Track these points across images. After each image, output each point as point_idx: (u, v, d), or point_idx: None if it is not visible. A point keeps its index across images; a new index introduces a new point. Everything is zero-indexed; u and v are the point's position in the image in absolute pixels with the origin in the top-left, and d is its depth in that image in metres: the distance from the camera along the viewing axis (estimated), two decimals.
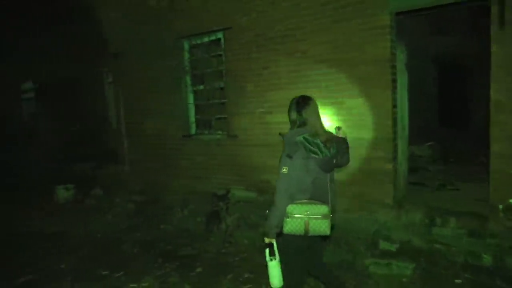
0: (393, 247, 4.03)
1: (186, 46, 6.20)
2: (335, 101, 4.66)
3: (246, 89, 5.35)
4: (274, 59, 5.05)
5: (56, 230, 5.56)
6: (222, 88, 5.85)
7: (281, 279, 2.68)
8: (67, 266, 4.33)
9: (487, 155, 3.94)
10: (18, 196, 7.45)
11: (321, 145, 2.56)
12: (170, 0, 6.18)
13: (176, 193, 6.19)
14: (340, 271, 3.65)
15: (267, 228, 2.65)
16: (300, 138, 2.57)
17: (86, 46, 9.40)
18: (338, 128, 2.93)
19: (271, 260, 2.67)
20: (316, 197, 2.62)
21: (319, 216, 2.56)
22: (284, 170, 2.56)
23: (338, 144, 2.69)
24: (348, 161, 2.89)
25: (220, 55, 5.78)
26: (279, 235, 2.65)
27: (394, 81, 4.35)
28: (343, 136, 2.86)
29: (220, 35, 5.69)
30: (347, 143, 2.85)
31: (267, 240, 2.66)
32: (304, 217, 2.55)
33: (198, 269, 4.09)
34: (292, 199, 2.58)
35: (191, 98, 6.21)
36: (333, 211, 2.66)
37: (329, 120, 4.69)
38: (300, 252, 2.74)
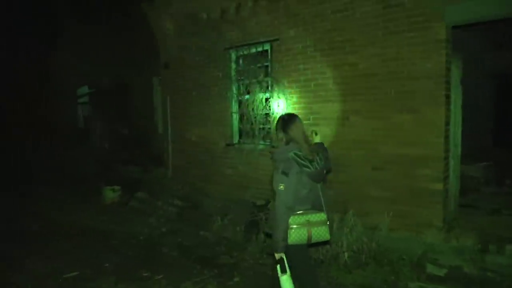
0: (442, 272, 3.81)
1: (233, 56, 6.31)
2: (383, 115, 4.54)
3: (292, 100, 5.35)
4: (321, 71, 5.01)
5: (102, 229, 5.80)
6: (267, 99, 5.88)
7: None
8: (111, 264, 4.49)
9: None
10: (70, 194, 7.86)
11: (312, 158, 2.77)
12: (220, 12, 6.34)
13: (217, 200, 6.26)
14: None
15: (275, 244, 2.76)
16: (291, 154, 2.74)
17: (139, 55, 9.88)
18: (315, 133, 3.11)
19: (282, 275, 2.73)
20: (312, 206, 2.82)
21: (319, 223, 2.78)
22: (281, 187, 2.72)
23: (323, 153, 2.90)
24: (330, 166, 3.11)
25: (267, 66, 5.83)
26: (286, 249, 2.77)
27: (447, 97, 4.17)
28: (319, 141, 3.04)
29: (267, 46, 5.74)
30: (326, 148, 3.04)
31: (277, 256, 2.76)
32: (306, 226, 2.74)
33: (236, 279, 4.08)
34: (292, 211, 2.75)
35: (235, 108, 6.30)
36: (329, 217, 2.86)
37: (373, 136, 4.57)
38: (307, 262, 2.93)
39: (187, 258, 4.70)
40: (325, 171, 2.88)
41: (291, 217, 2.73)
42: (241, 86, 6.25)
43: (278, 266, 2.75)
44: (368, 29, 4.58)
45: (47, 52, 11.99)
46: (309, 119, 5.17)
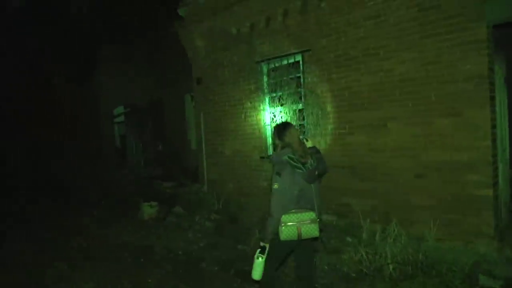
0: (497, 284, 3.57)
1: (265, 69, 6.35)
2: (423, 121, 4.39)
3: (326, 110, 5.29)
4: (355, 79, 4.94)
5: (142, 244, 5.88)
6: (300, 110, 5.85)
7: (261, 274, 3.14)
8: (153, 280, 4.53)
9: None
10: (110, 211, 8.06)
11: (304, 160, 3.04)
12: (250, 27, 6.43)
13: (253, 214, 6.22)
14: None
15: (264, 235, 3.13)
16: (285, 157, 3.06)
17: (171, 74, 10.17)
18: (306, 140, 3.37)
19: (259, 258, 3.09)
20: (304, 205, 3.07)
21: (309, 222, 3.02)
22: (276, 186, 3.06)
23: (316, 155, 3.16)
24: (326, 168, 3.31)
25: (299, 77, 5.82)
26: (273, 239, 3.11)
27: (492, 98, 3.98)
28: (311, 145, 3.32)
29: (298, 57, 5.74)
30: (319, 151, 3.34)
31: (262, 244, 3.11)
32: (296, 224, 3.00)
33: None
34: (285, 209, 3.02)
35: (269, 120, 6.30)
36: (319, 216, 3.10)
37: (414, 142, 4.42)
38: (284, 252, 3.26)
39: (227, 272, 4.67)
40: (316, 172, 3.10)
41: (284, 215, 3.00)
42: (273, 98, 6.25)
43: (258, 250, 3.11)
44: (403, 34, 4.48)
45: (86, 74, 12.57)
46: (344, 128, 5.10)
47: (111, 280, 4.55)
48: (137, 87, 11.20)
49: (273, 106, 6.26)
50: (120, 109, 12.19)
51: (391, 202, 4.68)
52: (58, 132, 13.25)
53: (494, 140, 4.00)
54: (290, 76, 5.96)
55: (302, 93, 5.72)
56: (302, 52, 5.63)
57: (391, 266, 4.05)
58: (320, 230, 3.12)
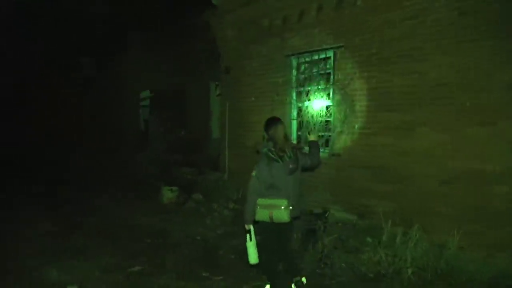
0: None
1: (294, 63, 6.33)
2: (453, 128, 4.32)
3: (354, 108, 5.25)
4: (387, 79, 4.88)
5: (161, 227, 6.02)
6: (327, 107, 5.82)
7: (256, 257, 3.56)
8: (171, 262, 4.64)
9: None
10: (131, 193, 8.27)
11: (281, 154, 3.40)
12: (282, 20, 6.40)
13: None
14: None
15: (245, 218, 3.55)
16: (265, 150, 3.47)
17: (197, 61, 10.22)
18: (309, 133, 3.80)
19: (249, 241, 3.52)
20: (277, 193, 3.41)
21: (281, 207, 3.36)
22: (253, 173, 3.50)
23: (296, 152, 3.50)
24: (318, 161, 3.78)
25: (329, 73, 5.78)
26: (256, 223, 3.51)
27: None
28: (314, 139, 3.84)
29: (330, 53, 5.70)
30: (318, 146, 3.83)
31: (246, 227, 3.54)
32: (268, 208, 3.39)
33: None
34: (261, 195, 3.43)
35: (294, 114, 6.29)
36: (294, 204, 3.42)
37: (442, 148, 4.36)
38: (271, 236, 3.53)
39: (244, 261, 4.73)
40: (291, 166, 3.40)
41: (259, 199, 3.43)
42: (301, 92, 6.23)
43: (247, 235, 3.53)
44: (441, 37, 4.39)
45: (115, 59, 12.79)
46: (371, 128, 5.05)
47: (132, 258, 4.69)
48: (163, 73, 11.31)
49: (300, 101, 6.24)
50: (146, 93, 12.35)
51: (413, 207, 4.64)
52: (85, 115, 13.60)
53: None
54: (320, 72, 5.92)
55: (331, 89, 5.68)
56: (334, 48, 5.58)
57: (410, 270, 4.04)
58: (297, 218, 3.60)
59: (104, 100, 13.30)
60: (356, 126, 5.23)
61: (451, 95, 4.32)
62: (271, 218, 3.40)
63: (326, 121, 5.85)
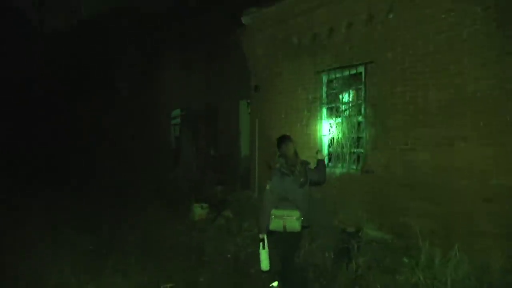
0: None
1: (324, 79, 6.31)
2: (496, 142, 4.13)
3: (388, 124, 5.13)
4: (422, 94, 4.75)
5: (193, 244, 6.04)
6: (359, 122, 5.73)
7: (268, 264, 3.84)
8: (205, 279, 4.63)
9: None
10: (163, 210, 8.39)
11: (292, 169, 3.80)
12: (312, 37, 6.43)
13: None
14: None
15: (259, 228, 3.92)
16: (277, 165, 3.88)
17: (227, 80, 10.39)
18: (317, 152, 4.43)
19: (262, 250, 3.81)
20: (289, 205, 3.77)
21: (293, 218, 3.72)
22: (267, 186, 3.87)
23: (305, 166, 3.93)
24: (324, 179, 4.27)
25: (360, 89, 5.71)
26: (270, 233, 3.83)
27: None
28: (321, 158, 4.33)
29: (361, 69, 5.64)
30: (324, 164, 4.33)
31: (260, 236, 3.84)
32: (282, 218, 3.73)
33: None
34: (275, 207, 3.78)
35: (325, 131, 6.23)
36: (305, 214, 3.78)
37: (484, 164, 4.16)
38: (285, 244, 3.88)
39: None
40: (302, 180, 3.80)
41: (273, 210, 3.77)
42: (331, 109, 6.18)
43: (260, 243, 3.82)
44: (478, 50, 4.25)
45: (148, 78, 13.25)
46: (407, 144, 4.90)
47: (164, 275, 4.72)
48: (194, 92, 11.56)
49: (330, 117, 6.19)
50: (177, 112, 12.64)
51: (454, 226, 4.42)
52: (118, 133, 14.08)
53: None
54: (351, 88, 5.87)
55: (363, 105, 5.60)
56: (365, 64, 5.53)
57: None
58: (306, 227, 3.93)
59: (136, 118, 13.73)
60: (390, 143, 5.10)
61: (491, 109, 4.14)
62: (284, 227, 3.73)
63: (358, 137, 5.75)
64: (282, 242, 3.87)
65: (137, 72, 13.62)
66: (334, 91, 6.20)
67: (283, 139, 4.04)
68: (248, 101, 9.13)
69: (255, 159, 7.73)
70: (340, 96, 6.07)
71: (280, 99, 7.07)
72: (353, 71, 5.78)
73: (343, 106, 5.95)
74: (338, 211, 5.83)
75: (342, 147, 5.94)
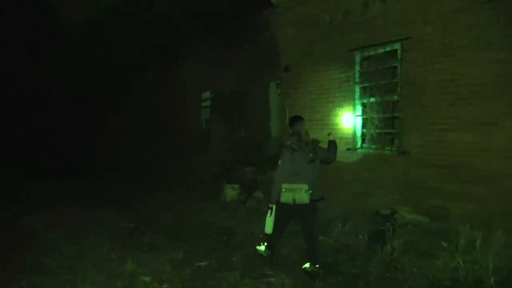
0: None
1: (357, 58, 6.08)
2: None
3: (425, 103, 4.91)
4: (463, 71, 4.49)
5: (225, 225, 6.14)
6: (394, 102, 5.52)
7: (271, 228, 4.28)
8: (236, 259, 4.71)
9: None
10: (196, 192, 8.59)
11: (302, 146, 4.15)
12: (344, 14, 6.19)
13: (335, 206, 6.08)
14: None
15: (271, 198, 4.32)
16: (289, 142, 4.24)
17: (257, 61, 10.27)
18: (329, 134, 4.70)
19: (269, 216, 4.26)
20: (299, 179, 4.11)
21: (302, 191, 4.06)
22: (280, 162, 4.26)
23: (315, 145, 4.25)
24: (334, 158, 4.55)
25: (395, 67, 5.48)
26: (282, 206, 4.20)
27: None
28: (333, 139, 4.63)
29: (396, 46, 5.39)
30: (335, 144, 4.59)
31: (270, 205, 4.28)
32: (291, 191, 4.09)
33: None
34: (286, 181, 4.14)
35: (359, 111, 6.06)
36: (313, 188, 4.12)
37: None
38: (290, 215, 4.35)
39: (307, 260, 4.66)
40: (311, 155, 4.10)
41: (284, 184, 4.13)
42: (365, 88, 5.98)
43: (269, 211, 4.27)
44: None
45: (177, 62, 13.33)
46: (446, 124, 4.68)
47: (199, 253, 4.84)
48: (224, 73, 11.53)
49: (364, 97, 6.00)
50: (207, 94, 12.68)
51: (496, 209, 4.22)
52: (149, 117, 14.35)
53: None
54: (386, 66, 5.63)
55: (398, 84, 5.38)
56: (401, 40, 5.27)
57: (492, 279, 3.68)
58: (316, 200, 4.21)
59: (167, 102, 13.90)
60: (428, 122, 4.89)
61: None
62: (294, 200, 4.07)
63: (394, 117, 5.55)
64: (290, 213, 4.26)
65: (167, 56, 13.71)
66: (367, 69, 5.98)
67: (296, 119, 4.43)
68: (278, 82, 9.01)
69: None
70: (374, 75, 5.85)
71: (311, 79, 6.91)
72: (388, 48, 5.53)
73: (377, 85, 5.73)
74: (371, 193, 5.72)
75: (376, 128, 5.75)
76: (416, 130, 5.04)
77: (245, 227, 5.97)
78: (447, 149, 4.67)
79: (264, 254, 4.49)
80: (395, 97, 5.46)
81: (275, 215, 4.30)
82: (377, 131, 5.78)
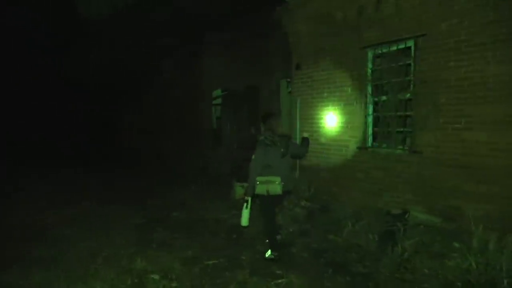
0: None
1: (370, 55, 5.99)
2: None
3: (439, 102, 4.81)
4: (479, 69, 4.38)
5: (235, 223, 6.09)
6: (407, 100, 5.43)
7: (247, 221, 4.66)
8: (245, 257, 4.69)
9: None
10: (206, 189, 8.63)
11: (275, 141, 4.50)
12: (357, 10, 6.11)
13: (346, 205, 6.04)
14: None
15: (247, 191, 4.66)
16: (262, 137, 4.56)
17: (268, 59, 10.22)
18: (303, 132, 5.45)
19: (245, 208, 4.61)
20: (272, 172, 4.45)
21: (276, 183, 4.42)
22: (253, 157, 4.55)
23: (287, 140, 4.67)
24: (305, 153, 5.24)
25: (408, 64, 5.38)
26: (256, 197, 4.58)
27: None
28: (306, 136, 5.26)
29: (410, 43, 5.29)
30: (308, 141, 5.15)
31: (246, 198, 4.63)
32: (265, 183, 4.43)
33: None
34: (259, 174, 4.46)
35: (370, 109, 5.97)
36: (285, 180, 4.48)
37: None
38: (269, 205, 4.66)
39: (317, 260, 4.63)
40: (282, 150, 4.48)
41: (258, 177, 4.44)
42: (377, 86, 5.89)
43: (245, 204, 4.60)
44: None
45: (189, 60, 13.36)
46: (461, 123, 4.58)
47: (207, 251, 4.84)
48: (235, 71, 11.51)
49: (376, 95, 5.91)
50: (218, 92, 12.68)
51: (511, 210, 4.12)
52: (162, 115, 14.44)
53: None
54: (399, 63, 5.54)
55: (411, 82, 5.28)
56: (415, 38, 5.17)
57: (505, 281, 3.60)
58: (288, 191, 4.69)
59: (179, 100, 13.97)
60: (443, 121, 4.79)
61: None
62: (267, 191, 4.42)
63: (406, 115, 5.46)
64: (267, 203, 4.59)
65: (179, 54, 13.75)
66: (380, 67, 5.89)
67: (270, 115, 4.75)
68: (289, 80, 8.96)
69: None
70: (387, 72, 5.75)
71: (322, 76, 6.84)
72: (402, 46, 5.43)
73: (390, 83, 5.64)
74: (382, 192, 5.65)
75: (388, 126, 5.67)
76: (429, 129, 4.95)
77: (255, 226, 5.92)
78: (461, 148, 4.57)
79: (273, 257, 4.57)
80: (408, 95, 5.36)
81: (262, 211, 4.68)
82: (389, 129, 5.69)
